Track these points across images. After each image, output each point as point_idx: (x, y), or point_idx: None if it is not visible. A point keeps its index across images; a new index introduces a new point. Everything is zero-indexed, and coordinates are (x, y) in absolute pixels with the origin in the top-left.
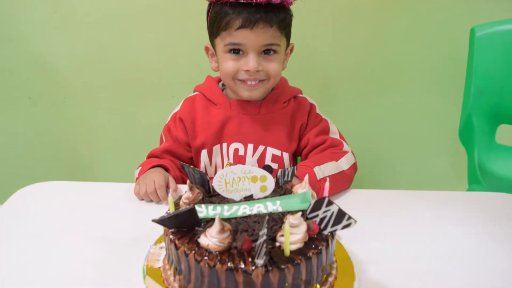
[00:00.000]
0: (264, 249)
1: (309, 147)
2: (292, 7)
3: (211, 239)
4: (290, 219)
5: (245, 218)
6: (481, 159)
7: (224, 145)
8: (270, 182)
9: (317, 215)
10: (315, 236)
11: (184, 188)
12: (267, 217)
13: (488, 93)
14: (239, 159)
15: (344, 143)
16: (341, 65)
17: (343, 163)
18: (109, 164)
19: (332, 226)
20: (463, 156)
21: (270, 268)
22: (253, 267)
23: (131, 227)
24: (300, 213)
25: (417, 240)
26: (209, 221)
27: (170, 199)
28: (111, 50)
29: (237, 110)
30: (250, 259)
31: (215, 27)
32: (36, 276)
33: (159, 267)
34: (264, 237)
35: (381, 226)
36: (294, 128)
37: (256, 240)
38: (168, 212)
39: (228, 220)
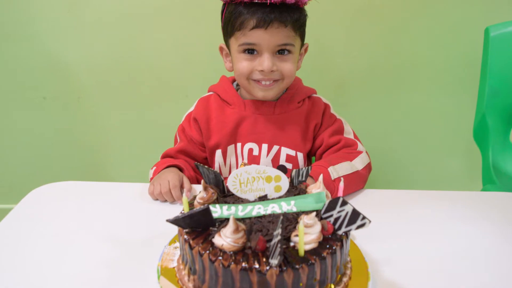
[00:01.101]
0: (278, 249)
1: (323, 147)
2: (306, 7)
3: (225, 239)
4: (304, 219)
5: (260, 218)
6: (495, 159)
7: (239, 145)
8: (284, 182)
9: (331, 215)
10: (330, 236)
11: (198, 188)
12: (281, 217)
13: (502, 93)
14: (254, 159)
15: (358, 143)
16: (355, 65)
17: (358, 163)
18: (123, 164)
19: (347, 226)
20: (477, 156)
21: (285, 268)
22: (268, 267)
23: (145, 227)
24: (314, 213)
25: (431, 240)
26: (224, 221)
27: (185, 199)
28: (125, 50)
29: (252, 110)
30: (264, 259)
31: (230, 27)
32: (50, 275)
33: (174, 267)
34: (279, 237)
35: (395, 226)
36: (308, 128)
37: (270, 240)
38: (183, 212)
39: (242, 220)
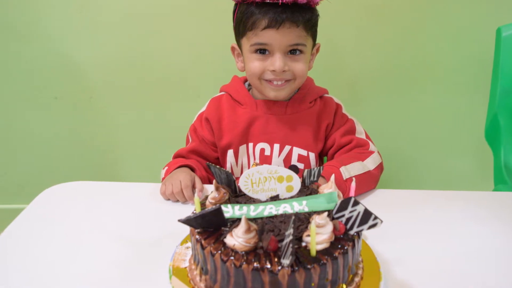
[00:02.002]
0: (290, 249)
1: (335, 147)
2: (318, 7)
3: (237, 239)
4: (316, 219)
5: (271, 218)
6: (507, 159)
7: (250, 145)
8: (296, 182)
9: (343, 215)
10: (341, 236)
11: (210, 188)
12: (293, 217)
13: None
14: (265, 159)
15: (370, 143)
16: (367, 65)
17: (369, 163)
18: (134, 164)
19: (358, 226)
20: (489, 156)
21: (296, 268)
22: (279, 267)
23: (157, 227)
24: (326, 213)
25: (443, 240)
26: (235, 221)
27: (196, 199)
28: (136, 50)
29: (263, 110)
30: (276, 259)
31: (241, 27)
32: (61, 275)
33: (185, 267)
34: (290, 237)
35: (407, 226)
36: (320, 128)
37: (282, 240)
38: (194, 212)
39: (254, 220)
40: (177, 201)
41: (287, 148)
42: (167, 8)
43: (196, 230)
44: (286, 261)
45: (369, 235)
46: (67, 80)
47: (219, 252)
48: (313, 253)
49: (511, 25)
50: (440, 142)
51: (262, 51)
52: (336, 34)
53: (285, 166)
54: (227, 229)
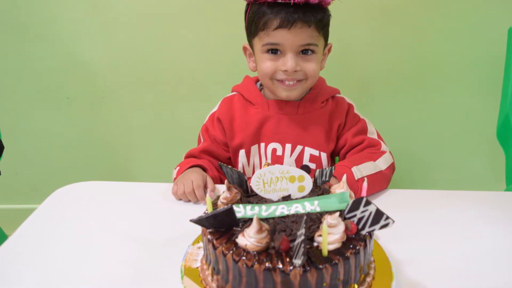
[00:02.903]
0: (302, 249)
1: (347, 147)
2: (330, 7)
3: (249, 239)
4: (328, 219)
5: (283, 218)
6: None
7: (262, 145)
8: (308, 182)
9: (355, 215)
10: (353, 236)
11: (222, 188)
12: (305, 217)
13: None
14: (277, 159)
15: (382, 143)
16: (379, 65)
17: (381, 163)
18: (146, 164)
19: (370, 226)
20: (501, 156)
21: (308, 268)
22: (291, 267)
23: (168, 227)
24: (338, 213)
25: (454, 240)
26: (247, 221)
27: (208, 199)
28: (148, 50)
29: (275, 110)
30: (288, 259)
31: (253, 27)
32: (73, 275)
33: (197, 267)
34: (302, 237)
35: (419, 226)
36: (332, 128)
37: (294, 240)
38: (206, 212)
39: (266, 220)
40: (189, 201)
41: (299, 148)
42: (179, 8)
43: (208, 230)
44: (297, 261)
45: (380, 235)
46: (79, 81)
47: (231, 252)
48: (325, 253)
49: None
50: (451, 142)
51: (274, 51)
52: (348, 34)
53: (297, 166)
54: (239, 229)
